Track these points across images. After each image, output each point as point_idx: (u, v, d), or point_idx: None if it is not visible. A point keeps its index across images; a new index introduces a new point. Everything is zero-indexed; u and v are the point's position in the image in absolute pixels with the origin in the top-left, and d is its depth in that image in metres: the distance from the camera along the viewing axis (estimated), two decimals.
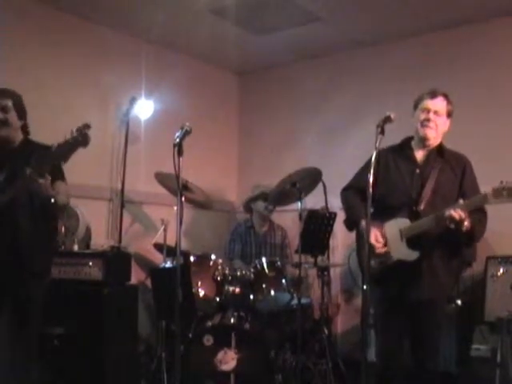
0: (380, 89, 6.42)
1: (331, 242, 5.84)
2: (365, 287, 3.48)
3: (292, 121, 7.20)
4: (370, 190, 3.51)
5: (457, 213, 3.62)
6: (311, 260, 5.81)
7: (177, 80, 6.70)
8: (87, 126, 3.43)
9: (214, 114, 7.34)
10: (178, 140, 3.68)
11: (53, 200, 3.69)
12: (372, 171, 3.51)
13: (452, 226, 3.66)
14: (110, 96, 6.14)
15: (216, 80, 7.49)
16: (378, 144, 3.60)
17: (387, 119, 3.64)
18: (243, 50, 6.82)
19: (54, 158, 3.54)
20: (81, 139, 3.41)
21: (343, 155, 6.50)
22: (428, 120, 3.91)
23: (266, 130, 7.45)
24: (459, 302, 5.13)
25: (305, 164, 5.60)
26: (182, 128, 3.70)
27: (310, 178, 5.45)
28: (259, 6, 5.72)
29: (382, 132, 3.61)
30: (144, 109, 6.26)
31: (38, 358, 3.87)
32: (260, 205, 6.24)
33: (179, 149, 3.68)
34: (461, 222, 3.64)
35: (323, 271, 5.81)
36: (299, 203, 5.30)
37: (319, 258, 5.76)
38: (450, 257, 3.93)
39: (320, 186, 5.69)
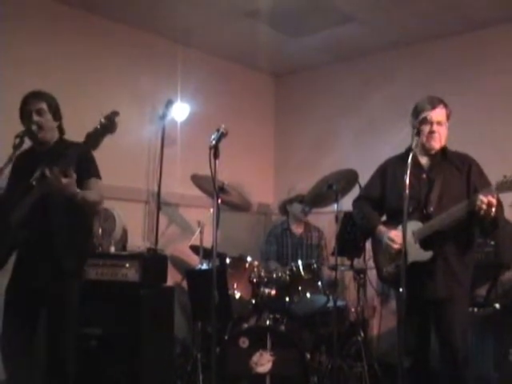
0: (417, 89, 6.34)
1: (368, 244, 5.81)
2: (401, 290, 3.49)
3: (328, 122, 7.17)
4: (407, 191, 3.53)
5: (493, 197, 3.66)
6: (347, 262, 5.79)
7: (212, 83, 6.74)
8: (116, 113, 3.50)
9: (250, 116, 7.35)
10: (214, 142, 3.69)
11: (79, 197, 3.70)
12: (408, 173, 3.55)
13: (482, 212, 3.68)
14: (147, 99, 6.19)
15: (252, 82, 7.50)
16: (414, 145, 3.62)
17: (423, 120, 3.64)
18: (279, 51, 6.83)
19: (83, 148, 3.59)
20: (109, 125, 3.47)
21: (379, 157, 6.40)
22: (433, 132, 3.96)
23: (301, 132, 7.44)
24: (497, 305, 5.07)
25: (341, 166, 5.58)
26: (217, 130, 3.71)
27: (347, 180, 5.42)
28: (294, 7, 5.71)
29: (418, 133, 3.65)
30: (180, 111, 6.29)
31: (75, 358, 3.90)
32: (296, 207, 6.23)
33: (215, 151, 3.69)
34: (492, 206, 3.67)
35: (359, 273, 5.79)
36: (335, 205, 5.29)
37: (355, 261, 5.74)
38: (463, 252, 3.98)
39: (356, 187, 5.65)
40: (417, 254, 3.91)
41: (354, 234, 5.51)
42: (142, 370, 4.77)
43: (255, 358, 4.75)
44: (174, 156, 6.24)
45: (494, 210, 3.67)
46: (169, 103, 6.11)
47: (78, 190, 3.70)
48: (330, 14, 5.85)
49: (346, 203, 5.73)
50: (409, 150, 4.10)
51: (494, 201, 3.64)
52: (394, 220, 4.04)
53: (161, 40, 6.43)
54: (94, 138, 3.51)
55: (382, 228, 4.14)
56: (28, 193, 3.72)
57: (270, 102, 7.78)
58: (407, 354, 4.05)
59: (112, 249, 5.24)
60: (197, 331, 5.40)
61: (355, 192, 5.65)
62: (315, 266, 5.32)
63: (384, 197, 4.24)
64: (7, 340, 3.89)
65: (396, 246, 3.97)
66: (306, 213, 6.23)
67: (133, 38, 6.21)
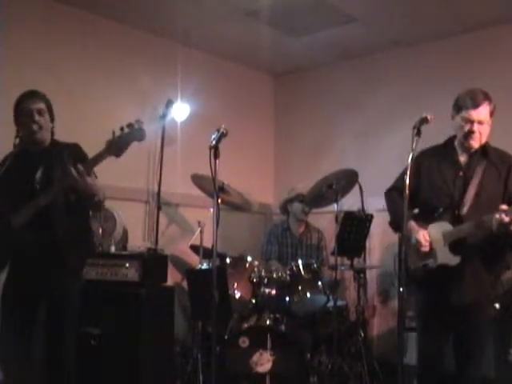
0: (417, 89, 6.37)
1: (367, 243, 5.81)
2: (401, 289, 3.47)
3: (328, 122, 7.17)
4: (407, 191, 3.50)
5: (508, 216, 3.55)
6: (347, 262, 5.79)
7: (212, 82, 6.74)
8: (140, 121, 3.52)
9: (250, 116, 7.36)
10: (214, 142, 3.70)
11: (97, 198, 3.75)
12: (408, 173, 3.50)
13: (501, 229, 3.58)
14: (147, 99, 6.18)
15: (252, 82, 7.51)
16: (414, 145, 3.57)
17: (424, 120, 3.60)
18: (279, 51, 6.83)
19: (102, 155, 3.62)
20: (135, 133, 3.54)
21: (380, 156, 6.47)
22: (473, 132, 3.80)
23: (301, 132, 7.44)
24: (497, 305, 5.07)
25: (341, 165, 5.58)
26: (218, 130, 3.72)
27: (347, 180, 5.42)
28: (295, 7, 5.71)
29: (419, 133, 3.58)
30: (180, 111, 6.30)
31: (75, 357, 3.90)
32: (296, 206, 6.22)
33: (215, 151, 3.69)
34: (510, 224, 3.56)
35: (359, 273, 5.79)
36: (335, 205, 5.29)
37: (355, 260, 5.74)
38: (493, 261, 3.87)
39: (356, 187, 5.66)
40: (445, 256, 3.81)
41: (354, 234, 5.51)
42: (142, 370, 4.77)
43: (255, 357, 4.76)
44: (174, 156, 6.24)
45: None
46: (169, 103, 6.11)
47: (98, 192, 3.76)
48: (330, 14, 5.86)
49: (346, 203, 5.76)
50: (446, 142, 4.03)
51: (507, 220, 3.54)
52: (426, 216, 3.93)
53: (161, 40, 6.44)
54: (117, 145, 3.54)
55: (412, 224, 3.92)
56: (30, 195, 3.74)
57: (270, 101, 7.77)
58: (420, 359, 4.04)
59: (112, 249, 5.25)
60: (197, 331, 5.41)
61: (355, 192, 5.67)
62: (315, 265, 5.32)
63: (418, 190, 3.99)
64: (5, 340, 3.89)
65: (423, 249, 3.85)
66: (306, 212, 6.23)
67: (133, 38, 6.22)
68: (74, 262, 3.89)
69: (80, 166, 3.58)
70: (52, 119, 3.99)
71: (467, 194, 3.83)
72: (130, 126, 3.53)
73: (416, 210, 4.09)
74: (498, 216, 3.57)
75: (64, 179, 3.63)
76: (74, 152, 3.81)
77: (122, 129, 3.53)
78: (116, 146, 3.55)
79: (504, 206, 3.59)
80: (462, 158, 3.95)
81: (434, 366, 3.96)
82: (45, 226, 3.74)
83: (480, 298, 3.87)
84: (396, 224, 4.16)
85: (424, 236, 3.87)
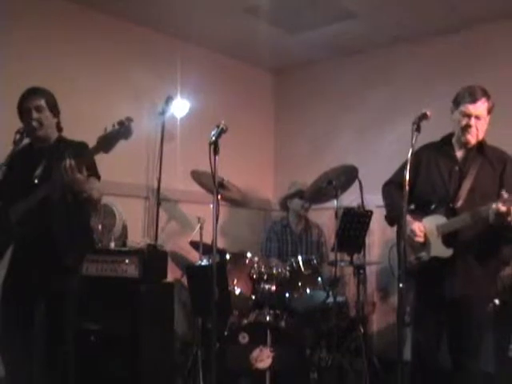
0: (417, 85, 6.37)
1: (367, 239, 5.80)
2: (401, 285, 3.47)
3: (328, 118, 7.17)
4: (407, 187, 3.51)
5: (505, 206, 3.56)
6: (347, 258, 5.79)
7: (212, 79, 6.73)
8: (130, 119, 3.51)
9: (250, 112, 7.35)
10: (213, 138, 3.69)
11: (85, 195, 3.74)
12: (408, 168, 3.51)
13: (498, 220, 3.60)
14: (146, 95, 6.18)
15: (251, 78, 7.50)
16: (414, 141, 3.58)
17: (423, 116, 3.60)
18: (278, 48, 6.82)
19: (93, 151, 3.63)
20: (123, 131, 3.50)
21: (379, 152, 6.46)
22: (470, 126, 3.85)
23: (301, 128, 7.44)
24: (497, 301, 5.07)
25: (341, 161, 5.58)
26: (217, 126, 3.70)
27: (346, 176, 5.42)
28: (294, 4, 5.71)
29: (418, 129, 3.59)
30: (180, 107, 6.29)
31: (74, 354, 3.91)
32: (296, 202, 6.22)
33: (215, 147, 3.68)
34: (507, 215, 3.57)
35: (359, 269, 5.77)
36: (335, 201, 5.29)
37: (355, 256, 5.74)
38: (487, 256, 3.88)
39: (356, 183, 5.65)
40: (438, 249, 3.85)
41: (353, 230, 5.51)
42: (142, 366, 4.77)
43: (255, 353, 4.76)
44: (174, 152, 6.24)
45: (509, 218, 3.58)
46: (168, 99, 6.10)
47: (87, 189, 3.75)
48: (329, 10, 5.85)
49: (346, 199, 5.75)
50: (444, 138, 4.08)
51: (503, 209, 3.55)
52: (422, 210, 3.97)
53: (160, 36, 6.43)
54: (106, 141, 3.54)
55: (407, 217, 3.86)
56: (30, 190, 3.74)
57: (269, 98, 7.77)
58: (414, 353, 4.04)
59: (112, 245, 5.24)
60: (197, 327, 5.40)
61: (355, 188, 5.67)
62: (315, 261, 5.33)
63: (414, 184, 4.02)
64: (5, 336, 3.90)
65: (417, 239, 3.90)
66: (306, 208, 6.23)
67: (133, 34, 6.21)
68: (72, 258, 3.89)
69: (71, 161, 3.58)
70: (55, 114, 3.99)
71: (462, 189, 3.88)
72: (120, 123, 3.52)
73: (412, 206, 4.13)
74: (494, 206, 3.59)
75: (56, 174, 3.63)
76: (78, 150, 3.79)
77: (113, 126, 3.53)
78: (106, 142, 3.55)
79: (505, 194, 3.59)
80: (459, 154, 4.01)
81: (428, 361, 3.98)
82: (43, 222, 3.75)
83: (473, 293, 3.87)
84: (391, 218, 4.22)
85: (419, 227, 3.91)
